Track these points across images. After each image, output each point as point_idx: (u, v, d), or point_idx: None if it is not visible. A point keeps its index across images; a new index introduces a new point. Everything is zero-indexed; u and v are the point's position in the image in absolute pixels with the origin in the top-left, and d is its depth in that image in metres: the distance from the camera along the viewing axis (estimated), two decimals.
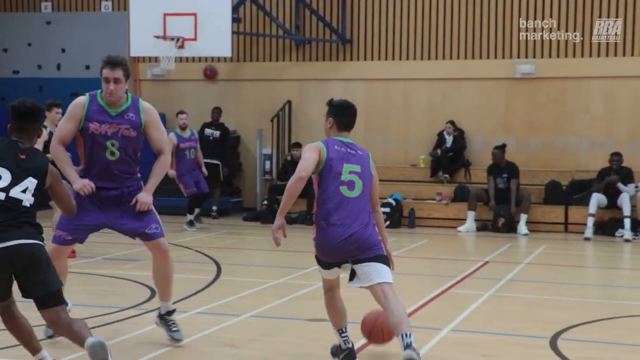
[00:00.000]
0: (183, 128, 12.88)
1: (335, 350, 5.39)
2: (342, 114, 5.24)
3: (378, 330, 5.36)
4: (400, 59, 15.52)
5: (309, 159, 5.00)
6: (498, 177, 13.62)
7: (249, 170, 16.14)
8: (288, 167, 14.55)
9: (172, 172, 12.40)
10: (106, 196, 5.53)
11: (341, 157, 5.08)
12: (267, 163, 15.70)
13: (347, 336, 5.27)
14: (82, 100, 5.59)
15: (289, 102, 15.78)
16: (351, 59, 15.79)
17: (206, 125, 15.04)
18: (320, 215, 5.00)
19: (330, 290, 5.22)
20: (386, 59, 15.61)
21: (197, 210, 13.07)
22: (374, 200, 5.14)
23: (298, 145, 14.63)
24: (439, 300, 7.58)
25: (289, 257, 10.50)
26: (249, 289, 7.88)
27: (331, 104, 5.30)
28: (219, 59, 16.19)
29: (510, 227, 13.23)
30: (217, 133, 14.91)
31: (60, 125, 5.65)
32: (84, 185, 5.45)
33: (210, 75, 16.37)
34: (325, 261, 5.06)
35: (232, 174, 15.96)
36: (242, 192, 16.24)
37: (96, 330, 6.14)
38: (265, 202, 14.71)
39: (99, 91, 5.65)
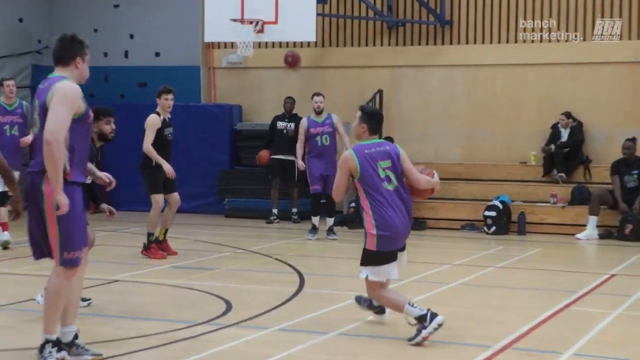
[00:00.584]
0: (318, 112, 12.95)
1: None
2: (375, 122, 6.64)
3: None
4: (508, 41, 15.11)
5: (338, 179, 6.50)
6: (627, 175, 13.03)
7: None
8: None
9: (301, 164, 12.67)
10: None
11: (373, 157, 6.42)
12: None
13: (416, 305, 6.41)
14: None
15: (380, 92, 15.58)
16: (451, 43, 15.48)
17: (278, 117, 15.01)
18: (375, 211, 6.37)
19: (383, 287, 6.52)
20: (491, 42, 15.23)
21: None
22: (414, 175, 6.50)
23: (390, 141, 14.33)
24: (556, 319, 7.25)
25: None
26: (336, 303, 7.72)
27: (365, 112, 6.63)
28: (301, 44, 16.14)
29: (637, 235, 12.63)
30: (291, 126, 14.86)
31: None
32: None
33: (292, 62, 16.32)
34: (391, 250, 6.39)
35: None
36: None
37: (167, 348, 6.05)
38: (353, 204, 14.54)
39: None
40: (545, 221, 13.69)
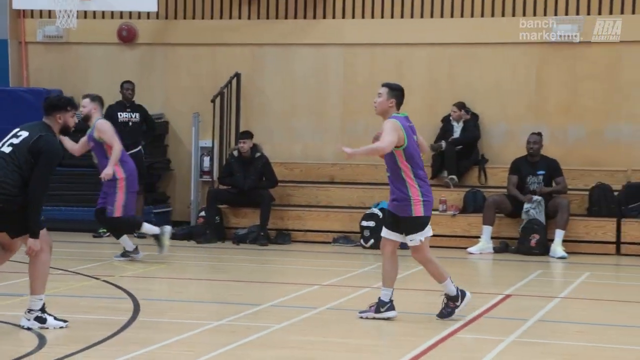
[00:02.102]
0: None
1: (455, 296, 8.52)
2: (402, 96, 8.40)
3: None
4: (392, 16, 15.52)
5: (393, 140, 8.13)
6: (530, 176, 13.62)
7: (181, 169, 16.06)
8: (235, 165, 14.46)
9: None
10: None
11: (412, 129, 8.33)
12: (206, 160, 15.62)
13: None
14: None
15: (238, 76, 15.71)
16: (324, 17, 15.78)
17: (116, 107, 14.98)
18: (418, 179, 8.26)
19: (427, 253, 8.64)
20: (372, 16, 15.62)
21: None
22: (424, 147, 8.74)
23: (246, 136, 14.56)
24: (441, 348, 7.53)
25: (234, 288, 10.39)
26: (178, 334, 7.77)
27: (391, 87, 8.38)
28: (139, 14, 16.08)
29: (544, 248, 13.25)
30: (136, 116, 14.84)
31: None
32: None
33: (128, 37, 16.26)
34: (430, 216, 8.45)
35: (157, 175, 15.83)
36: (171, 199, 16.15)
37: None
38: (203, 213, 14.62)
39: None
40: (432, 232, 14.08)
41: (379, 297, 8.49)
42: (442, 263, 12.52)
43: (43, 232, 7.58)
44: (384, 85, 8.45)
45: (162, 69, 16.24)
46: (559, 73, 14.93)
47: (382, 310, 8.42)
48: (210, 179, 15.61)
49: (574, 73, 14.89)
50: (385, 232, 8.58)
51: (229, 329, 8.06)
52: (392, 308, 8.46)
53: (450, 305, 8.48)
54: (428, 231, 8.55)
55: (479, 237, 13.57)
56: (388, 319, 8.36)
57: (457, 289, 8.51)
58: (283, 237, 14.29)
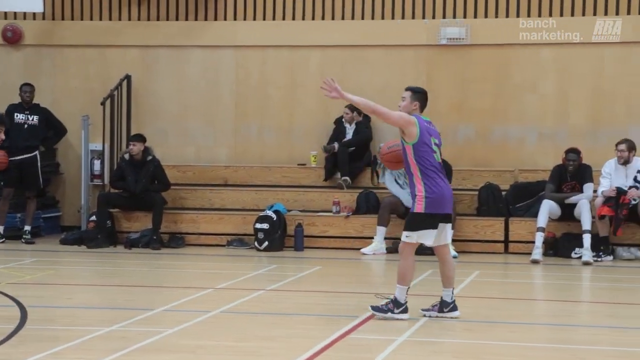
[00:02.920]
0: None
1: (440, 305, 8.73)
2: (425, 99, 8.67)
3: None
4: (284, 18, 15.58)
5: (400, 122, 8.47)
6: None
7: (70, 173, 15.88)
8: (126, 169, 14.33)
9: None
10: None
11: (429, 130, 8.51)
12: (97, 163, 15.48)
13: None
14: None
15: (128, 78, 15.58)
16: (215, 19, 15.77)
17: (15, 108, 14.74)
18: (425, 176, 8.38)
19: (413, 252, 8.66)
20: (264, 18, 15.66)
21: None
22: None
23: (138, 138, 14.44)
24: (334, 349, 7.57)
25: (126, 293, 10.30)
26: (68, 341, 7.66)
27: (415, 90, 8.66)
28: (25, 15, 15.83)
29: None
30: (34, 119, 14.65)
31: None
32: None
33: (13, 38, 15.99)
34: (441, 213, 8.43)
35: (46, 179, 15.60)
36: (60, 203, 15.93)
37: None
38: (94, 217, 14.45)
39: None
40: (326, 234, 14.21)
41: (442, 297, 8.78)
42: (337, 264, 12.79)
43: None
44: (407, 89, 8.69)
45: (49, 70, 16.00)
46: (448, 75, 15.18)
47: (445, 310, 8.75)
48: (101, 183, 15.44)
49: (463, 75, 15.16)
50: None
51: (121, 335, 7.98)
52: (455, 308, 8.75)
53: (389, 306, 8.64)
54: (423, 236, 8.56)
55: (372, 237, 13.70)
56: (452, 318, 8.68)
57: (406, 300, 8.66)
58: (176, 240, 14.21)
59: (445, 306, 8.74)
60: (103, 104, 15.10)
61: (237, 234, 14.35)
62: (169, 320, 8.57)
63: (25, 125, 14.65)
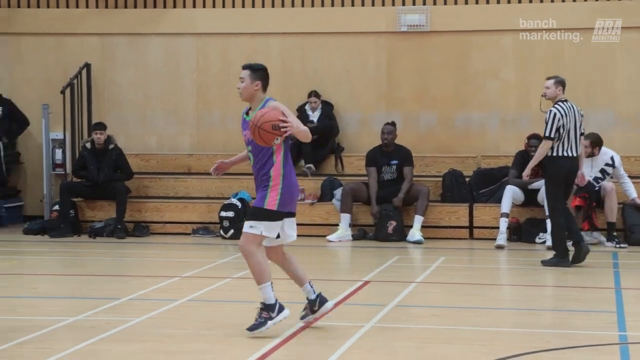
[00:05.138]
0: None
1: (309, 306, 7.85)
2: (268, 77, 7.75)
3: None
4: (244, 5, 15.58)
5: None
6: (385, 166, 13.86)
7: (32, 162, 15.77)
8: (88, 158, 14.24)
9: None
10: None
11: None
12: (58, 152, 15.38)
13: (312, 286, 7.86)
14: None
15: (88, 66, 15.49)
16: (174, 6, 15.76)
17: None
18: (287, 169, 7.50)
19: (278, 251, 7.84)
20: (223, 5, 15.66)
21: None
22: None
23: (101, 127, 14.37)
24: (301, 336, 7.61)
25: (92, 283, 10.27)
26: (30, 333, 7.63)
27: (258, 68, 7.81)
28: None
29: (401, 234, 13.51)
30: None
31: None
32: None
33: None
34: (287, 211, 7.58)
35: (7, 169, 15.49)
36: (22, 193, 15.83)
37: None
38: (57, 206, 14.35)
39: None
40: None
41: (307, 298, 7.93)
42: (303, 251, 12.79)
43: None
44: (244, 67, 7.83)
45: (6, 59, 15.85)
46: (409, 62, 15.21)
47: (316, 308, 7.90)
48: (63, 172, 15.34)
49: (424, 62, 15.20)
50: None
51: (87, 324, 7.96)
52: (324, 301, 7.93)
53: (263, 315, 7.55)
54: (274, 231, 7.69)
55: (336, 225, 13.74)
56: (327, 311, 7.96)
57: (276, 298, 7.64)
58: (141, 229, 14.16)
59: (313, 305, 7.85)
60: (63, 92, 15.00)
61: (202, 222, 14.32)
62: (135, 310, 8.56)
63: None
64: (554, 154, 11.10)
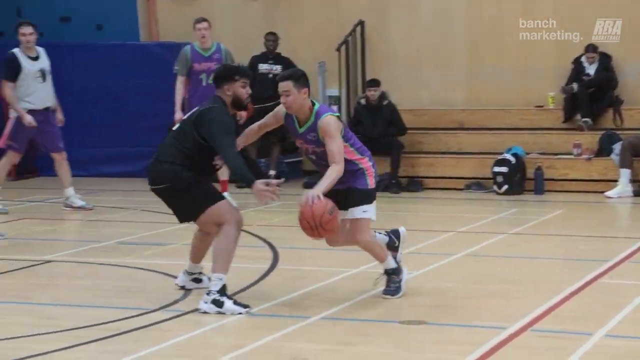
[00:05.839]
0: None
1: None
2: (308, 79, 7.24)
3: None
4: None
5: (339, 146, 7.13)
6: None
7: None
8: (362, 114, 14.49)
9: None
10: None
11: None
12: (334, 108, 15.66)
13: None
14: None
15: (362, 24, 15.69)
16: None
17: (258, 58, 15.13)
18: (360, 149, 7.38)
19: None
20: None
21: None
22: None
23: (376, 83, 14.56)
24: (583, 294, 7.49)
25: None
26: (318, 282, 7.90)
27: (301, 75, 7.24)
28: None
29: None
30: (277, 68, 14.92)
31: None
32: None
33: None
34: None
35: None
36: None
37: (112, 341, 6.22)
38: None
39: None
40: (567, 177, 13.91)
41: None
42: (580, 208, 12.51)
43: (229, 206, 7.21)
44: (283, 78, 7.20)
45: (286, 19, 16.30)
46: None
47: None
48: None
49: None
50: None
51: (363, 276, 8.06)
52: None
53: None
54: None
55: (616, 180, 13.33)
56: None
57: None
58: (415, 184, 14.28)
59: (393, 243, 7.70)
60: (338, 49, 15.28)
61: (475, 177, 14.26)
62: (412, 263, 8.58)
63: (270, 75, 14.83)
64: None
